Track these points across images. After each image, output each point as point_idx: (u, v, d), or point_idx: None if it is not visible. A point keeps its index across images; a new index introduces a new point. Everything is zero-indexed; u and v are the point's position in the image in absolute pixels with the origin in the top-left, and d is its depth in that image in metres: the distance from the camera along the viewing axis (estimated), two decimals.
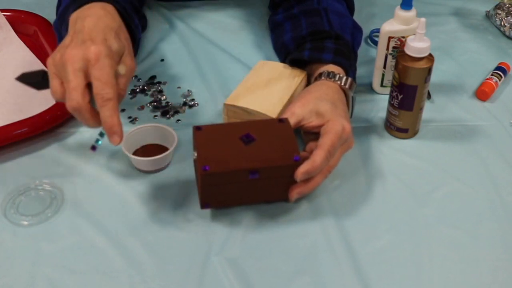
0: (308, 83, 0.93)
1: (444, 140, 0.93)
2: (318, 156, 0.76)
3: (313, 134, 0.82)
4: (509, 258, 0.76)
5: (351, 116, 0.90)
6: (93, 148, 0.82)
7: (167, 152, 0.84)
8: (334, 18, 0.97)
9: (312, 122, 0.81)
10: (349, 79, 0.86)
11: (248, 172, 0.74)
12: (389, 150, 0.91)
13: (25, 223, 0.79)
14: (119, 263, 0.74)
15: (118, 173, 0.86)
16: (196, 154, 0.76)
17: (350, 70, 0.90)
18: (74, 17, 0.81)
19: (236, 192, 0.77)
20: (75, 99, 0.72)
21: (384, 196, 0.83)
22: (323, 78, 0.86)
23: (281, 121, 0.79)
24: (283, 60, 0.98)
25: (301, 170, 0.75)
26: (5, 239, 0.77)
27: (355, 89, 0.88)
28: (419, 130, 0.94)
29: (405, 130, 0.92)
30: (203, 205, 0.78)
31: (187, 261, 0.74)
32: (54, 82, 0.74)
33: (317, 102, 0.82)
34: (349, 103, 0.88)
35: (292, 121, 0.80)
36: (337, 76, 0.86)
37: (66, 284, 0.72)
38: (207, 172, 0.73)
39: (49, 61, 0.75)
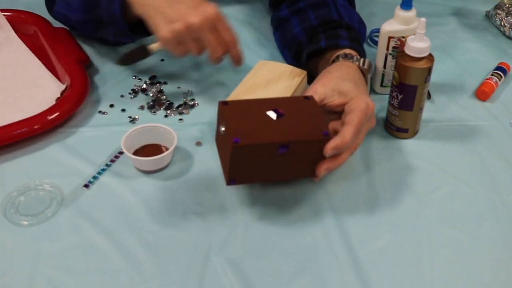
0: (312, 77, 0.93)
1: (444, 140, 0.93)
2: (347, 132, 0.77)
3: (334, 114, 0.82)
4: (510, 258, 0.76)
5: None
6: (86, 186, 0.84)
7: (167, 152, 0.84)
8: (343, 10, 0.99)
9: (335, 100, 0.81)
10: (367, 60, 0.88)
11: (278, 146, 0.74)
12: (389, 150, 0.91)
13: (25, 223, 0.79)
14: (119, 263, 0.74)
15: (118, 173, 0.86)
16: (223, 129, 0.75)
17: (365, 57, 0.91)
18: None
19: (264, 167, 0.76)
20: (221, 51, 0.91)
21: (384, 196, 0.83)
22: (341, 59, 0.87)
23: (306, 98, 0.79)
24: (293, 54, 0.98)
25: (331, 146, 0.75)
26: (5, 239, 0.77)
27: (372, 71, 0.89)
28: (419, 130, 0.94)
29: (405, 130, 0.92)
30: (230, 181, 0.77)
31: (187, 261, 0.74)
32: (180, 49, 0.90)
33: (339, 81, 0.82)
34: (368, 84, 0.89)
35: (315, 98, 0.80)
36: (355, 58, 0.87)
37: (66, 284, 0.72)
38: (237, 144, 0.72)
39: (169, 35, 0.87)
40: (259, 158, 0.75)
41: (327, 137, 0.75)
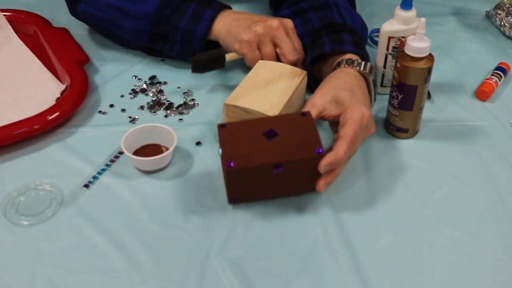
0: (316, 82, 0.93)
1: (444, 140, 0.93)
2: (340, 148, 0.77)
3: (338, 124, 0.83)
4: (510, 258, 0.76)
5: (375, 100, 0.92)
6: (86, 186, 0.84)
7: (167, 152, 0.84)
8: (345, 12, 0.99)
9: (333, 111, 0.82)
10: (368, 64, 0.87)
11: (272, 166, 0.76)
12: (389, 150, 0.91)
13: (25, 223, 0.79)
14: (119, 263, 0.74)
15: (118, 173, 0.86)
16: (221, 151, 0.78)
17: (368, 61, 0.91)
18: (226, 16, 0.98)
19: (262, 186, 0.78)
20: (296, 54, 0.96)
21: (384, 196, 0.83)
22: (341, 66, 0.87)
23: (303, 114, 0.80)
24: None
25: (324, 163, 0.76)
26: (5, 239, 0.77)
27: (373, 73, 0.89)
28: (419, 130, 0.94)
29: (405, 130, 0.92)
30: (230, 200, 0.79)
31: (187, 261, 0.74)
32: (257, 53, 0.95)
33: (336, 91, 0.83)
34: (370, 88, 0.88)
35: (314, 112, 0.81)
36: (355, 62, 0.87)
37: (66, 284, 0.72)
38: (232, 168, 0.75)
39: (252, 34, 0.94)
40: (256, 178, 0.77)
41: (321, 154, 0.76)
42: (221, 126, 0.79)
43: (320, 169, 0.76)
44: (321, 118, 0.83)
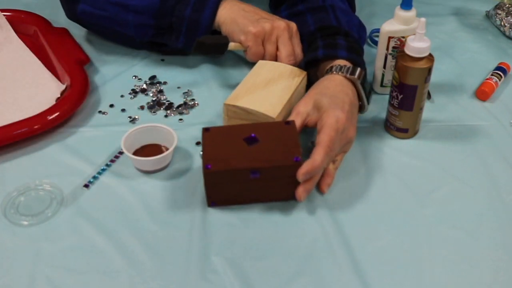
0: (312, 82, 0.93)
1: (444, 140, 0.93)
2: (318, 155, 0.77)
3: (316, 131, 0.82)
4: (510, 258, 0.76)
5: (368, 104, 0.91)
6: (86, 186, 0.84)
7: (167, 152, 0.84)
8: (341, 15, 0.98)
9: (312, 118, 0.82)
10: (358, 69, 0.87)
11: (249, 171, 0.76)
12: (389, 150, 0.91)
13: (25, 223, 0.79)
14: (119, 263, 0.74)
15: (118, 173, 0.86)
16: (201, 154, 0.79)
17: (362, 66, 0.91)
18: (231, 4, 0.98)
19: (240, 190, 0.79)
20: (294, 59, 0.96)
21: (384, 196, 0.83)
22: (329, 73, 0.87)
23: (287, 123, 0.81)
24: None
25: (302, 171, 0.76)
26: (5, 239, 0.77)
27: (364, 78, 0.88)
28: (419, 130, 0.94)
29: (405, 130, 0.92)
30: (210, 203, 0.80)
31: (187, 261, 0.74)
32: (260, 48, 0.96)
33: (318, 97, 0.83)
34: (360, 93, 0.88)
35: (298, 120, 0.81)
36: (344, 68, 0.87)
37: (66, 284, 0.72)
38: (209, 170, 0.76)
39: (259, 28, 0.94)
40: (233, 183, 0.78)
41: (298, 163, 0.76)
42: (205, 130, 0.81)
43: (298, 177, 0.76)
44: (305, 126, 0.83)
